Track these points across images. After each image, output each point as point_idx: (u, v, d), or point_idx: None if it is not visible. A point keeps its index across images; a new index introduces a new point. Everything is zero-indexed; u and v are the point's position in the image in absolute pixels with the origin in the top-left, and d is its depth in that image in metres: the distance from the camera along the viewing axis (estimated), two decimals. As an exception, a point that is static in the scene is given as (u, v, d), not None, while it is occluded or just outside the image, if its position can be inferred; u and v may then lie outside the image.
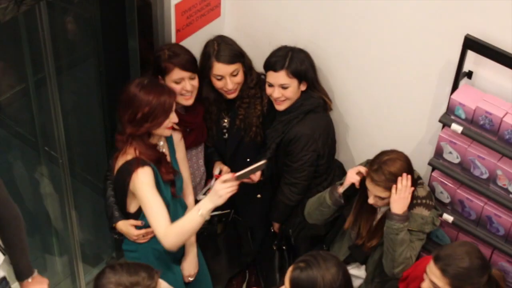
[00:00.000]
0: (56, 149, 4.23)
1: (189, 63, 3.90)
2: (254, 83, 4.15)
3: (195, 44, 4.15)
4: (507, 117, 3.52)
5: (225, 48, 4.02)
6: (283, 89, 4.00)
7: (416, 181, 3.77)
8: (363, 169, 3.79)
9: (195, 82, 3.94)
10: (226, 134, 4.26)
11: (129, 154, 3.57)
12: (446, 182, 3.88)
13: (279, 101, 4.04)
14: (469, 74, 3.68)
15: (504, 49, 3.46)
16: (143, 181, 3.53)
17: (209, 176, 4.30)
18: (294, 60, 3.98)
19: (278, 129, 4.12)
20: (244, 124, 4.20)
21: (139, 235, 3.74)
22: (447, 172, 3.83)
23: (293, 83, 3.99)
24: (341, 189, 3.85)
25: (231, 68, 4.02)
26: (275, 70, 3.98)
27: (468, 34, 3.53)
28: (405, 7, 3.74)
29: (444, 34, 3.65)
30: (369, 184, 3.70)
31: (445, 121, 3.72)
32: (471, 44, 3.53)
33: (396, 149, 3.77)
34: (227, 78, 4.03)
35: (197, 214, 3.42)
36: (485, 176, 3.72)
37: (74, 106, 4.38)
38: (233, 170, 4.00)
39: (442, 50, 3.71)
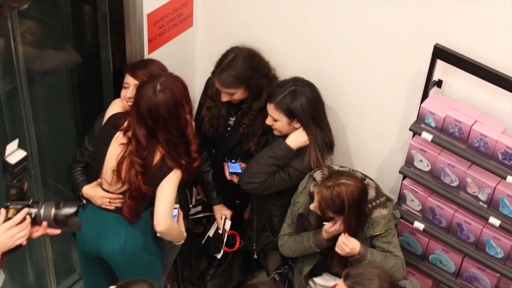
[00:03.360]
0: (28, 160, 4.21)
1: (137, 71, 3.82)
2: (262, 105, 4.11)
3: (167, 53, 4.15)
4: (476, 125, 3.57)
5: (228, 72, 4.01)
6: (274, 121, 4.01)
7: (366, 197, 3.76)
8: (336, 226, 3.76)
9: None
10: (228, 133, 4.29)
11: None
12: (417, 190, 3.91)
13: (272, 127, 4.06)
14: (439, 83, 3.72)
15: (473, 58, 3.50)
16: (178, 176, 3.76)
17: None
18: (288, 98, 3.92)
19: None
20: (248, 131, 4.21)
21: (106, 197, 3.80)
22: (418, 180, 3.86)
23: (282, 118, 3.96)
24: (326, 236, 3.81)
25: (225, 90, 4.06)
26: (269, 101, 3.99)
27: (437, 44, 3.57)
28: (375, 17, 3.77)
29: (414, 43, 3.69)
30: (316, 192, 3.69)
31: (415, 130, 3.75)
32: (440, 53, 3.57)
33: (360, 174, 3.79)
34: (223, 93, 4.09)
35: None
36: (455, 184, 3.76)
37: (46, 116, 4.35)
38: (221, 164, 4.25)
39: (412, 59, 3.75)
